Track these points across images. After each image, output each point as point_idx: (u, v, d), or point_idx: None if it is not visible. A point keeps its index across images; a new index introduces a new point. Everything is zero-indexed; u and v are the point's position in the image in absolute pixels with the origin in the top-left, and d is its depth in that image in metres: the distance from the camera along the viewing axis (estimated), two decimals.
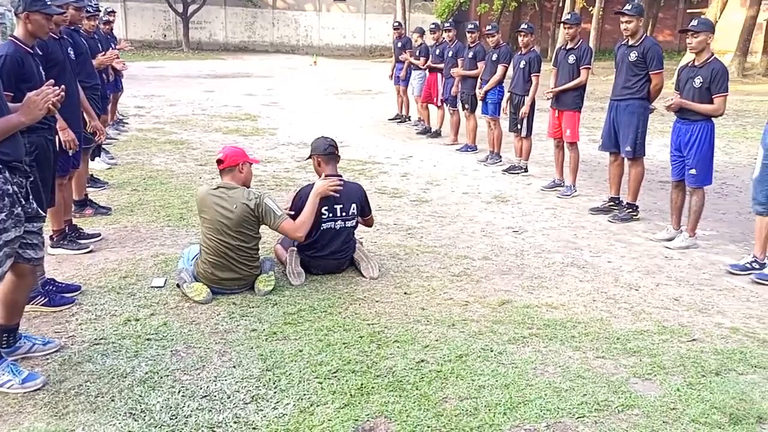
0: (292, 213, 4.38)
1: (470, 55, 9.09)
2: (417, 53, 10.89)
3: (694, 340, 3.76)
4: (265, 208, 4.13)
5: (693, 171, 5.34)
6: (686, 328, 3.92)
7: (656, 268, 5.00)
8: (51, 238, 4.73)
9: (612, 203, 6.42)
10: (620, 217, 6.18)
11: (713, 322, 4.04)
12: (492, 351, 3.51)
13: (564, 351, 3.55)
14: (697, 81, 5.25)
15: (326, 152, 4.54)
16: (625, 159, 6.20)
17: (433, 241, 5.45)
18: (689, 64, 5.47)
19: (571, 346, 3.61)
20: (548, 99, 7.21)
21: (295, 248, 4.59)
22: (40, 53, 3.98)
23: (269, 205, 4.15)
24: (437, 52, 10.22)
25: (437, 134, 10.63)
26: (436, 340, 3.62)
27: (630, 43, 6.01)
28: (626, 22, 5.94)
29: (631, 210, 6.23)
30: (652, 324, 3.97)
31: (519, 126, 7.89)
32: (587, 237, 5.71)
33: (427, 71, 10.60)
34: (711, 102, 5.23)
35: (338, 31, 36.10)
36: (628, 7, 6.06)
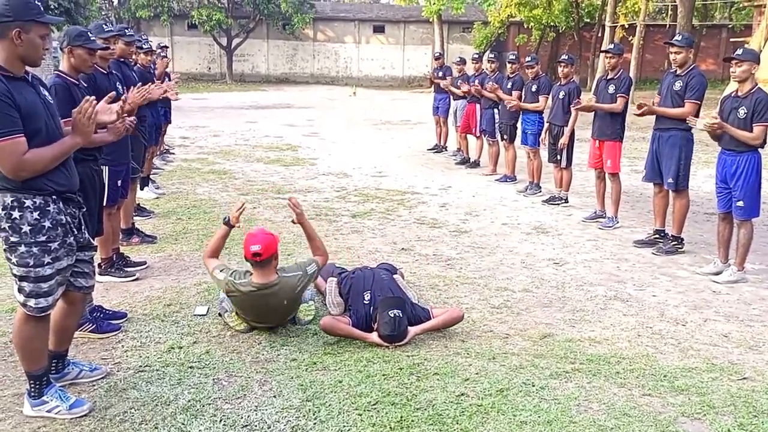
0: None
1: (508, 85, 9.11)
2: (458, 83, 10.95)
3: (744, 378, 3.64)
4: (308, 280, 4.09)
5: (740, 203, 5.22)
6: (736, 366, 3.80)
7: (704, 302, 4.87)
8: (99, 265, 4.86)
9: (657, 235, 6.29)
10: (665, 249, 6.05)
11: (764, 359, 3.90)
12: (534, 386, 3.45)
13: (608, 387, 3.47)
14: (741, 112, 5.16)
15: None
16: (670, 190, 6.10)
17: (473, 272, 5.42)
18: (732, 95, 5.38)
19: (615, 383, 3.53)
20: (575, 108, 7.13)
21: (335, 278, 4.61)
22: (85, 85, 4.15)
23: (309, 272, 4.10)
24: (476, 82, 10.26)
25: (476, 164, 10.62)
26: (477, 374, 3.58)
27: (678, 72, 5.96)
28: (675, 52, 5.89)
29: (676, 243, 6.10)
30: (700, 361, 3.85)
31: (558, 157, 7.85)
32: (630, 270, 5.61)
33: (466, 101, 10.65)
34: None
35: (377, 62, 36.58)
36: (678, 37, 6.02)
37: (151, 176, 7.97)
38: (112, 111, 3.48)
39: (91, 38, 4.02)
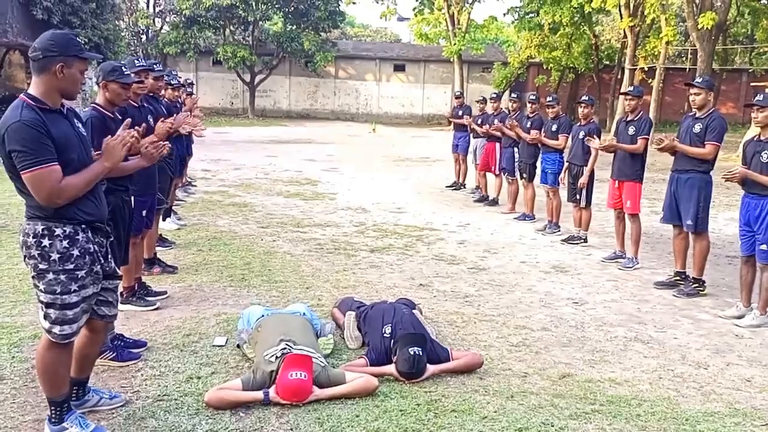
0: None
1: (528, 124, 9.18)
2: (479, 122, 11.06)
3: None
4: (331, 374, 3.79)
5: (764, 246, 5.17)
6: (759, 411, 3.73)
7: (726, 346, 4.80)
8: (121, 294, 4.90)
9: (677, 277, 6.24)
10: (686, 292, 5.99)
11: None
12: (553, 426, 3.41)
13: (629, 430, 3.42)
14: (765, 156, 5.16)
15: None
16: (689, 232, 6.07)
17: (491, 309, 5.40)
18: (755, 139, 5.40)
19: (636, 426, 3.47)
20: (589, 143, 7.20)
21: (353, 312, 4.63)
22: (120, 118, 4.27)
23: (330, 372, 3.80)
24: (495, 121, 10.36)
25: (495, 202, 10.65)
26: (495, 412, 3.55)
27: (697, 115, 5.98)
28: (695, 94, 5.93)
29: (697, 285, 6.04)
30: (722, 405, 3.79)
31: (578, 196, 7.85)
32: (651, 311, 5.55)
33: (486, 139, 10.75)
34: None
35: (397, 100, 37.04)
36: (698, 79, 6.08)
37: (173, 207, 8.09)
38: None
39: (125, 73, 4.16)
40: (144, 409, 3.45)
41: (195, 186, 11.13)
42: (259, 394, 3.54)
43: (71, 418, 3.14)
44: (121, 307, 4.83)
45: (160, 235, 6.78)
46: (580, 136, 7.76)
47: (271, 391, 3.54)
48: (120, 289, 4.69)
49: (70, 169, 2.96)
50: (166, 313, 4.98)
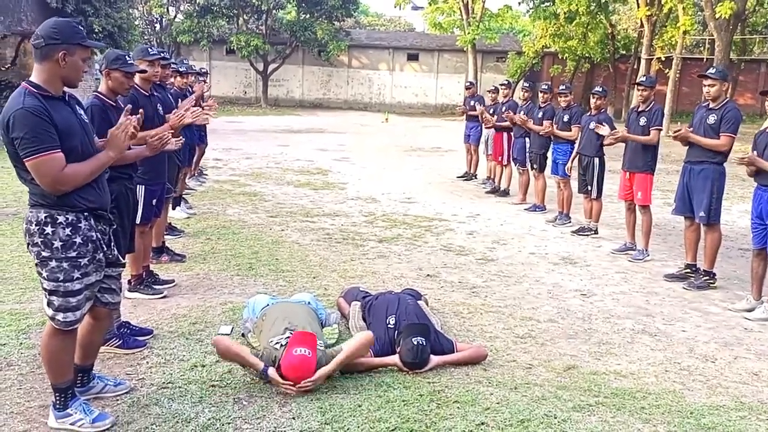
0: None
1: (539, 114, 9.11)
2: (491, 111, 10.98)
3: None
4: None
5: None
6: (766, 405, 3.69)
7: (735, 339, 4.75)
8: (129, 282, 4.95)
9: (688, 270, 6.17)
10: (696, 284, 5.93)
11: None
12: (556, 418, 3.39)
13: (633, 423, 3.40)
14: None
15: None
16: (701, 224, 6.00)
17: (498, 300, 5.38)
18: (767, 130, 5.31)
19: (640, 419, 3.45)
20: (598, 130, 7.14)
21: (359, 302, 4.63)
22: (122, 106, 4.27)
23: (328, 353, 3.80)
24: (504, 109, 10.28)
25: (506, 193, 10.59)
26: (498, 403, 3.54)
27: (711, 106, 5.89)
28: (709, 85, 5.83)
29: (707, 278, 5.97)
30: (729, 399, 3.75)
31: (588, 187, 7.79)
32: (660, 304, 5.50)
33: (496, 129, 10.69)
34: None
35: (410, 89, 36.88)
36: (711, 70, 5.97)
37: (183, 196, 8.12)
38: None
39: (129, 62, 4.14)
40: (148, 396, 3.48)
41: (206, 175, 11.16)
42: (260, 364, 3.57)
43: (75, 404, 3.17)
44: (128, 295, 4.89)
45: (170, 223, 6.82)
46: (591, 126, 7.68)
47: (271, 369, 3.55)
48: (127, 277, 4.76)
49: (73, 156, 2.97)
50: (173, 301, 5.01)
